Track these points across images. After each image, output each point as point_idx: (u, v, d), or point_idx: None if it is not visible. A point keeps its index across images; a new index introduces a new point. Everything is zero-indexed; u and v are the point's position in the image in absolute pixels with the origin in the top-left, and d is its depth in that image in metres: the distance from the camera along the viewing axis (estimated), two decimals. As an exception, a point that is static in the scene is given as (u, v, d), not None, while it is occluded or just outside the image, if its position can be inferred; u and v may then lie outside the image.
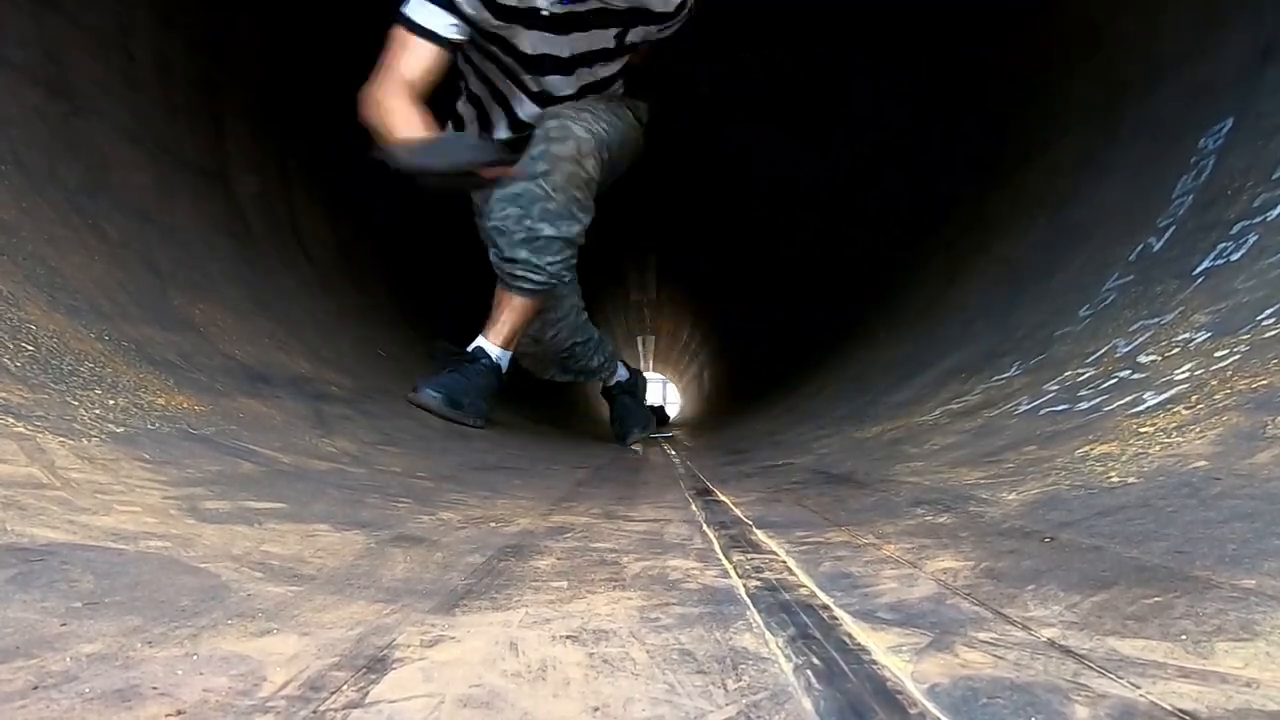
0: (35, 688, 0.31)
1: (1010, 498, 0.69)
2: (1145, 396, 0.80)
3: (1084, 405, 0.90)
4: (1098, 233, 1.46)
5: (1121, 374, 0.92)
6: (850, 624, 0.43)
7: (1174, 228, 1.20)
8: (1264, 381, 0.67)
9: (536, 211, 1.65)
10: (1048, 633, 0.39)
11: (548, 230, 1.66)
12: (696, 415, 6.85)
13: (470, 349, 1.75)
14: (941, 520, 0.68)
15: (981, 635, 0.40)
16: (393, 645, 0.39)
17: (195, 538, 0.54)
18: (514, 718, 0.31)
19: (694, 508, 0.91)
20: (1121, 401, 0.83)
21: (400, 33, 1.42)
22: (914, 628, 0.41)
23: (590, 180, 1.69)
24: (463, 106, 1.87)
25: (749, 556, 0.61)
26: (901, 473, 0.97)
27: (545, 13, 1.51)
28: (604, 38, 1.63)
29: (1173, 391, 0.78)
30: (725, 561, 0.60)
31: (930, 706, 0.32)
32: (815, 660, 0.37)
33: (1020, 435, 0.91)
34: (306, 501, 0.73)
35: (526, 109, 1.77)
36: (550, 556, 0.62)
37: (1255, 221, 0.99)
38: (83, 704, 0.30)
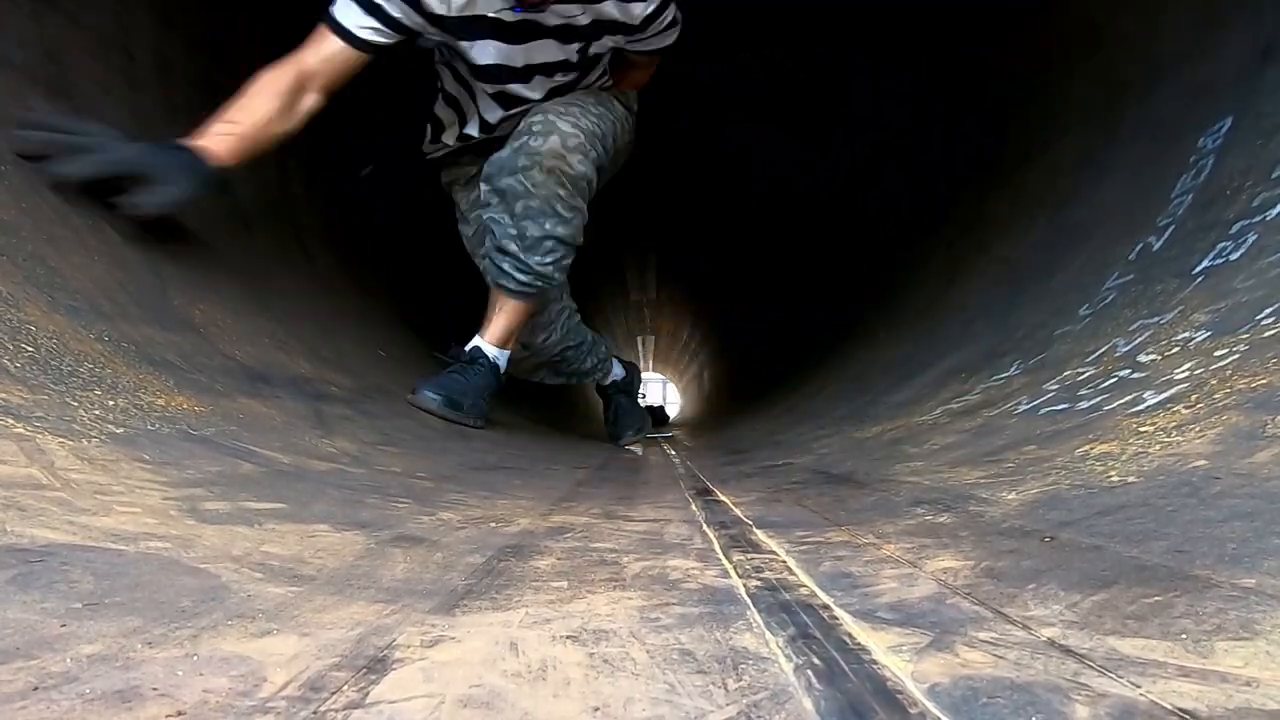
0: (35, 689, 0.31)
1: (1010, 497, 0.69)
2: (1145, 396, 0.81)
3: (1084, 405, 0.90)
4: (1098, 232, 1.46)
5: (1121, 373, 0.92)
6: (850, 624, 0.43)
7: (1174, 227, 1.20)
8: (1263, 381, 0.67)
9: (519, 209, 1.62)
10: (1048, 632, 0.39)
11: (533, 229, 1.63)
12: (696, 415, 6.85)
13: (468, 349, 1.75)
14: (941, 520, 0.68)
15: (981, 635, 0.40)
16: (393, 645, 0.39)
17: (195, 538, 0.54)
18: (514, 718, 0.31)
19: (694, 508, 0.91)
20: (1121, 401, 0.83)
21: (319, 26, 1.43)
22: (914, 627, 0.41)
23: (578, 177, 1.63)
24: (440, 109, 1.84)
25: (749, 556, 0.61)
26: (901, 472, 0.97)
27: (492, 14, 1.47)
28: (565, 50, 1.59)
29: (1172, 391, 0.78)
30: (725, 561, 0.60)
31: (930, 706, 0.32)
32: (815, 660, 0.37)
33: (1020, 435, 0.91)
34: (306, 502, 0.73)
35: (494, 113, 1.73)
36: (550, 556, 0.62)
37: (1255, 221, 0.99)
38: (83, 705, 0.30)
